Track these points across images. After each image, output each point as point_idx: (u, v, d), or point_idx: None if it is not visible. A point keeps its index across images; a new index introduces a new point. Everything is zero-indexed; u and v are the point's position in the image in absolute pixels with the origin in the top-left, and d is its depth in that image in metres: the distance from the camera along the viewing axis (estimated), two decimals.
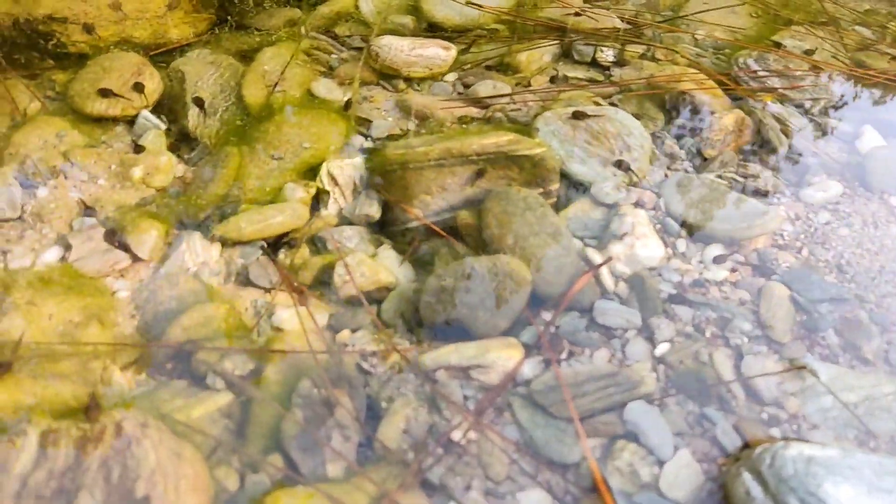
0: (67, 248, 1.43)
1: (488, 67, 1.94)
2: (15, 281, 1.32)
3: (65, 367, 1.20)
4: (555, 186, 1.54)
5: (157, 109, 1.75)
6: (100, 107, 1.68)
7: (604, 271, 1.35)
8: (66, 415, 1.11)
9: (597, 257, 1.37)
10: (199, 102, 1.72)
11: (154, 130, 1.69)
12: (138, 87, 1.72)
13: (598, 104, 1.75)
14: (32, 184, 1.54)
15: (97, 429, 1.03)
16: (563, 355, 1.23)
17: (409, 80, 1.90)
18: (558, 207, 1.50)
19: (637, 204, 1.50)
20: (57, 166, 1.57)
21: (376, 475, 1.06)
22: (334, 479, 1.06)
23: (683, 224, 1.47)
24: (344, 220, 1.54)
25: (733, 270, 1.39)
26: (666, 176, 1.59)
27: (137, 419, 1.05)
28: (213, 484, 1.03)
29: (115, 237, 1.44)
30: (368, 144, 1.69)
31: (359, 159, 1.62)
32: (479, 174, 1.53)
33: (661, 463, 1.08)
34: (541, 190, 1.52)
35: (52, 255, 1.41)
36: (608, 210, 1.49)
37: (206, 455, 1.07)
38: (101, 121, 1.70)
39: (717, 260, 1.40)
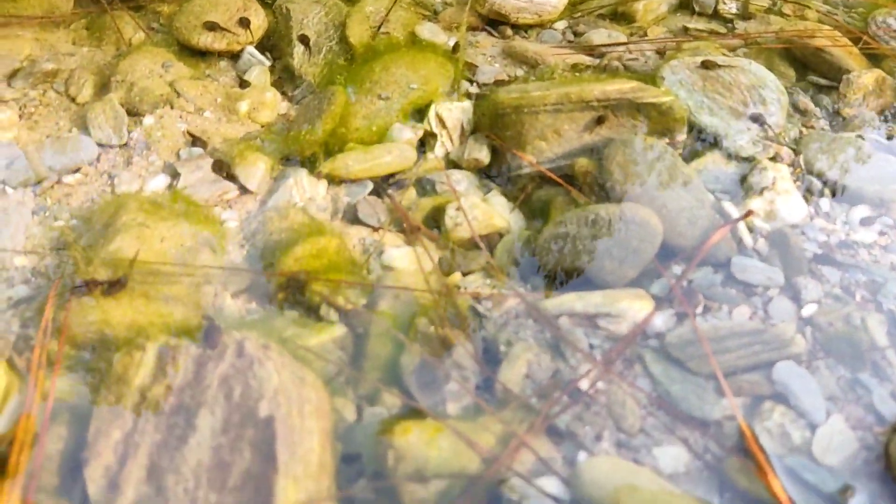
0: (175, 176, 1.42)
1: (601, 16, 1.86)
2: (125, 204, 1.32)
3: (177, 290, 1.18)
4: (682, 137, 1.45)
5: (260, 46, 1.73)
6: (205, 40, 1.67)
7: (742, 226, 1.26)
8: (181, 335, 1.09)
9: (734, 211, 1.29)
10: (304, 40, 1.69)
11: (259, 66, 1.67)
12: (244, 23, 1.70)
13: (725, 56, 1.65)
14: (138, 111, 1.54)
15: (218, 348, 1.01)
16: (699, 310, 1.15)
17: (516, 26, 1.83)
18: (686, 159, 1.42)
19: (775, 159, 1.40)
20: (163, 95, 1.56)
21: (500, 417, 1.01)
22: (457, 417, 1.01)
23: (825, 183, 1.37)
24: (451, 165, 1.49)
25: (882, 233, 1.29)
26: (801, 133, 1.49)
27: (258, 341, 1.02)
28: (332, 412, 1.00)
29: (222, 168, 1.43)
30: (474, 90, 1.64)
31: (467, 103, 1.57)
32: (600, 121, 1.45)
33: (812, 427, 1.00)
34: (667, 140, 1.44)
35: (159, 182, 1.41)
36: (743, 164, 1.40)
37: (325, 383, 1.04)
38: (206, 54, 1.68)
39: (865, 222, 1.30)
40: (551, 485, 0.93)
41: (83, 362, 1.07)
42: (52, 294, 1.13)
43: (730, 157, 1.41)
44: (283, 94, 1.64)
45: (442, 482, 0.91)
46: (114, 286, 1.13)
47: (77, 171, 1.43)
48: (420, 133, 1.53)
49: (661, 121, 1.44)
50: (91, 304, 1.12)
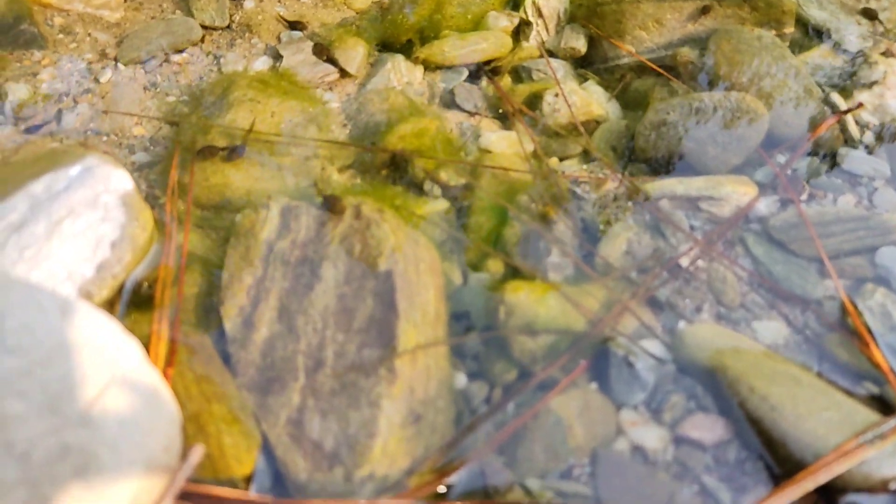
0: (277, 58, 1.47)
1: None
2: (235, 81, 1.38)
3: (288, 161, 1.25)
4: (789, 30, 1.43)
5: None
6: None
7: (849, 118, 1.26)
8: (298, 199, 1.16)
9: (841, 103, 1.28)
10: None
11: None
12: None
13: None
14: None
15: (335, 208, 1.08)
16: (803, 197, 1.17)
17: None
18: (793, 52, 1.40)
19: (886, 54, 1.37)
20: None
21: (604, 283, 1.06)
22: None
23: None
24: (546, 54, 1.50)
25: None
26: None
27: (374, 204, 1.09)
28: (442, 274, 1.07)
29: (323, 52, 1.47)
30: None
31: None
32: (705, 10, 1.43)
33: None
34: (774, 32, 1.42)
35: (262, 63, 1.46)
36: (851, 58, 1.37)
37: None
38: None
39: None
40: (654, 347, 0.98)
41: (207, 220, 1.16)
42: (175, 158, 1.21)
43: (838, 50, 1.39)
44: None
45: (550, 337, 0.98)
46: (233, 152, 1.20)
47: (183, 51, 1.49)
48: (516, 21, 1.54)
49: (768, 12, 1.42)
50: (212, 169, 1.20)
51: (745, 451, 0.88)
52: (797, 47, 1.41)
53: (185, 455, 0.71)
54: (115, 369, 0.65)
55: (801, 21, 1.44)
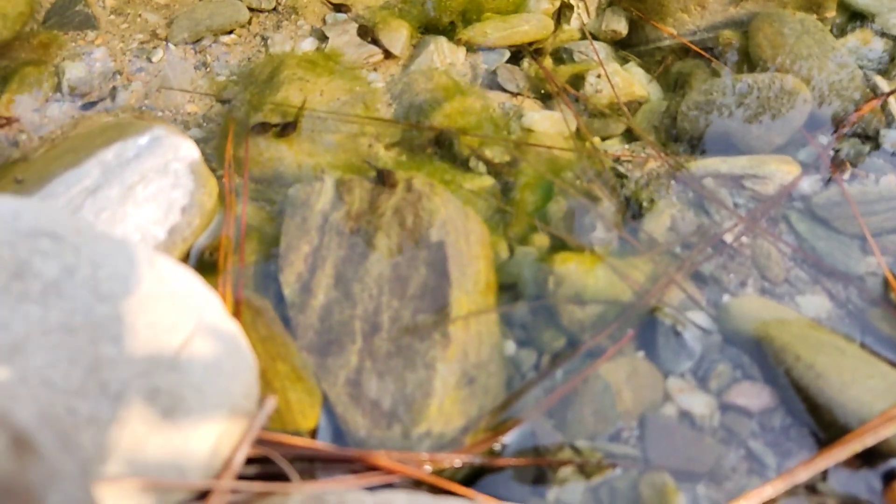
0: (322, 39, 1.51)
1: None
2: (284, 60, 1.42)
3: (337, 138, 1.29)
4: (831, 14, 1.44)
5: None
6: None
7: (892, 100, 1.27)
8: (349, 173, 1.20)
9: (884, 86, 1.29)
10: None
11: None
12: None
13: None
14: None
15: (389, 182, 1.11)
16: (846, 176, 1.19)
17: None
18: (835, 36, 1.41)
19: None
20: None
21: (650, 257, 1.09)
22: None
23: None
24: (588, 36, 1.53)
25: None
26: None
27: (424, 179, 1.13)
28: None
29: (367, 33, 1.51)
30: None
31: None
32: None
33: None
34: (815, 16, 1.43)
35: (308, 44, 1.50)
36: (893, 42, 1.39)
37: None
38: None
39: None
40: (700, 318, 1.01)
41: (261, 193, 1.20)
42: (230, 133, 1.26)
43: (881, 34, 1.40)
44: None
45: (598, 307, 1.01)
46: (286, 128, 1.24)
47: (231, 32, 1.53)
48: (557, 4, 1.56)
49: None
50: (265, 144, 1.24)
51: (791, 418, 0.91)
52: (839, 31, 1.43)
53: (260, 404, 0.75)
54: (199, 318, 0.70)
55: (844, 6, 1.45)
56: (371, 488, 0.75)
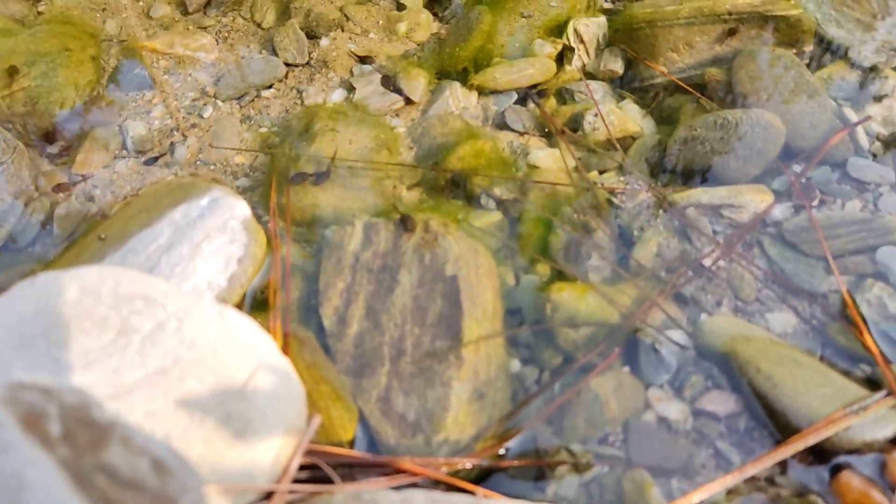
0: (350, 90, 1.70)
1: None
2: (316, 113, 1.62)
3: (365, 182, 1.49)
4: (808, 48, 1.58)
5: None
6: None
7: (859, 130, 1.41)
8: (376, 215, 1.39)
9: (853, 116, 1.43)
10: None
11: None
12: None
13: None
14: (315, 34, 1.82)
15: (409, 226, 1.30)
16: (815, 203, 1.34)
17: None
18: (812, 69, 1.55)
19: None
20: (335, 20, 1.84)
21: (635, 284, 1.26)
22: (599, 283, 1.27)
23: None
24: (587, 76, 1.69)
25: None
26: None
27: (439, 220, 1.31)
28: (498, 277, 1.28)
29: (389, 82, 1.70)
30: (609, 5, 1.81)
31: (603, 18, 1.75)
32: (731, 33, 1.60)
33: None
34: (794, 51, 1.58)
35: (338, 95, 1.70)
36: (865, 73, 1.52)
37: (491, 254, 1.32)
38: None
39: None
40: (677, 336, 1.18)
41: (302, 235, 1.40)
42: (273, 183, 1.46)
43: (853, 66, 1.54)
44: (435, 14, 1.87)
45: (589, 328, 1.18)
46: (321, 177, 1.44)
47: (270, 86, 1.74)
48: (559, 47, 1.73)
49: (789, 32, 1.58)
50: (303, 192, 1.44)
51: (753, 422, 1.07)
52: (815, 63, 1.57)
53: (308, 422, 0.95)
54: (259, 357, 0.89)
55: (820, 38, 1.59)
56: (398, 487, 0.94)
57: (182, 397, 0.83)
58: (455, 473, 1.02)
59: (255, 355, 0.89)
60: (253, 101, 1.71)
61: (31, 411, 0.57)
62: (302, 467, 0.93)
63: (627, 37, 1.68)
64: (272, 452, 0.86)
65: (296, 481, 0.89)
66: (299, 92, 1.72)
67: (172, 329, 0.86)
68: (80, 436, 0.56)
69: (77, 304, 0.85)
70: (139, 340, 0.84)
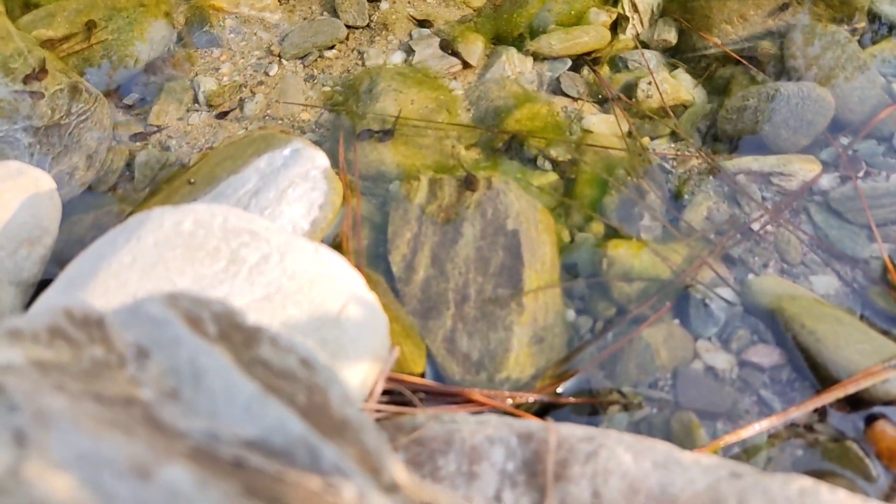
0: (409, 52, 1.77)
1: None
2: (379, 73, 1.70)
3: (426, 141, 1.57)
4: (861, 24, 1.63)
5: None
6: None
7: None
8: (438, 171, 1.47)
9: None
10: None
11: None
12: None
13: None
14: None
15: (473, 185, 1.38)
16: (860, 174, 1.40)
17: None
18: (863, 45, 1.60)
19: None
20: None
21: (686, 243, 1.33)
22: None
23: None
24: (641, 45, 1.75)
25: None
26: None
27: (501, 177, 1.39)
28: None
29: (448, 46, 1.77)
30: None
31: None
32: (784, 7, 1.65)
33: None
34: (846, 27, 1.62)
35: (398, 57, 1.77)
36: None
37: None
38: None
39: None
40: (726, 293, 1.25)
41: (368, 189, 1.49)
42: (341, 140, 1.54)
43: None
44: None
45: (642, 283, 1.26)
46: (386, 134, 1.52)
47: (332, 47, 1.81)
48: (614, 16, 1.79)
49: (842, 9, 1.62)
50: (369, 148, 1.53)
51: (795, 373, 1.15)
52: (867, 40, 1.61)
53: (389, 352, 1.04)
54: (350, 290, 0.99)
55: (873, 15, 1.63)
56: (471, 413, 1.03)
57: (284, 321, 0.93)
58: (518, 406, 1.11)
59: (346, 288, 0.98)
60: (316, 60, 1.79)
61: (190, 313, 0.67)
62: (384, 392, 1.03)
63: (681, 7, 1.73)
64: (360, 376, 0.96)
65: (380, 402, 0.99)
66: (360, 53, 1.79)
67: (276, 261, 0.95)
68: (234, 336, 0.66)
69: (191, 236, 0.94)
70: (247, 270, 0.93)
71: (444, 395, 1.07)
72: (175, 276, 0.91)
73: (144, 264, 0.92)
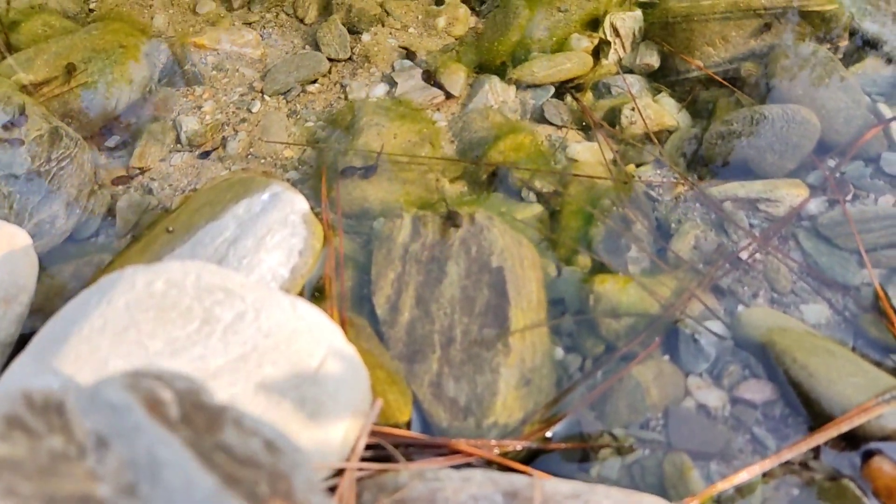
0: (392, 84, 1.76)
1: None
2: (361, 108, 1.68)
3: (410, 176, 1.55)
4: (843, 43, 1.61)
5: None
6: None
7: (894, 125, 1.44)
8: (422, 208, 1.45)
9: (888, 112, 1.46)
10: None
11: None
12: None
13: None
14: (357, 29, 1.87)
15: (456, 221, 1.36)
16: (849, 197, 1.38)
17: None
18: (846, 64, 1.58)
19: None
20: (376, 15, 1.89)
21: (674, 275, 1.31)
22: (638, 275, 1.32)
23: None
24: (623, 70, 1.73)
25: None
26: None
27: (484, 213, 1.37)
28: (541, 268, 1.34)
29: (430, 77, 1.75)
30: None
31: (639, 12, 1.78)
32: (766, 27, 1.63)
33: None
34: (828, 45, 1.60)
35: (380, 89, 1.75)
36: None
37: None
38: None
39: None
40: (716, 326, 1.23)
41: (352, 227, 1.46)
42: (323, 177, 1.53)
43: (889, 61, 1.56)
44: (472, 9, 1.92)
45: (630, 319, 1.24)
46: (368, 171, 1.50)
47: (315, 81, 1.80)
48: (595, 42, 1.77)
49: (824, 27, 1.60)
50: (352, 185, 1.51)
51: (788, 409, 1.13)
52: (850, 58, 1.59)
53: (371, 405, 1.02)
54: (328, 344, 0.96)
55: (855, 33, 1.61)
56: (456, 466, 1.01)
57: (260, 382, 0.90)
58: (506, 455, 1.08)
59: (325, 342, 0.96)
60: (298, 95, 1.77)
61: (150, 396, 0.64)
62: (366, 447, 1.00)
63: (663, 31, 1.71)
64: (341, 433, 0.94)
65: (363, 460, 0.97)
66: (343, 87, 1.78)
67: (251, 319, 0.93)
68: (197, 419, 0.63)
69: (164, 296, 0.92)
70: (221, 329, 0.91)
71: (429, 447, 1.04)
72: (147, 340, 0.89)
73: (116, 328, 0.90)
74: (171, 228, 1.30)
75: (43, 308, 1.31)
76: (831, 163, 1.43)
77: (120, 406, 0.62)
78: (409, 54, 1.82)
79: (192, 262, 0.95)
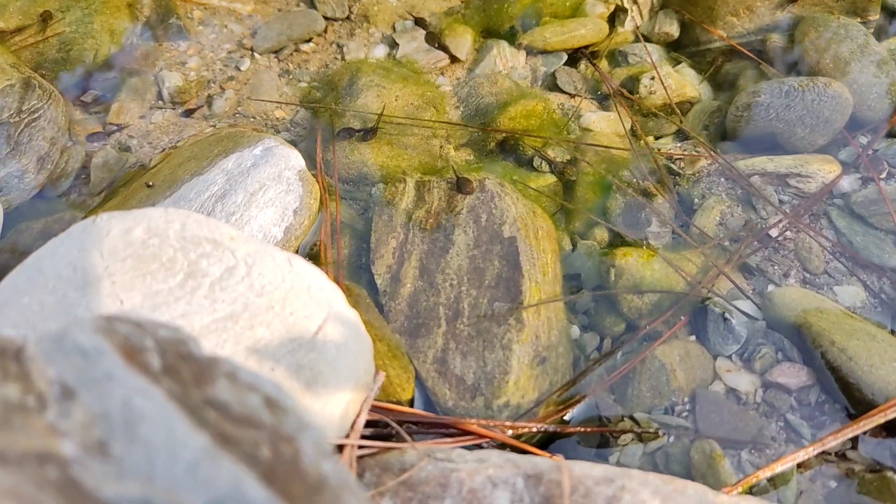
0: (393, 45, 1.66)
1: None
2: (361, 67, 1.58)
3: (412, 141, 1.45)
4: (874, 17, 1.54)
5: None
6: None
7: None
8: (426, 174, 1.36)
9: None
10: None
11: None
12: None
13: None
14: None
15: (466, 189, 1.27)
16: (883, 175, 1.30)
17: None
18: (878, 38, 1.51)
19: None
20: None
21: (701, 251, 1.23)
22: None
23: None
24: (641, 39, 1.65)
25: None
26: None
27: (496, 179, 1.28)
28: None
29: (434, 39, 1.65)
30: None
31: None
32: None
33: None
34: (859, 19, 1.53)
35: (380, 51, 1.65)
36: None
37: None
38: None
39: None
40: (746, 306, 1.15)
41: (349, 192, 1.37)
42: (318, 139, 1.42)
43: None
44: None
45: (654, 296, 1.15)
46: (368, 133, 1.41)
47: (309, 40, 1.69)
48: (612, 8, 1.69)
49: (854, 0, 1.53)
50: (350, 148, 1.41)
51: (825, 395, 1.05)
52: (882, 34, 1.52)
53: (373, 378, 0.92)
54: (329, 308, 0.87)
55: (887, 8, 1.54)
56: (467, 447, 0.91)
57: (251, 345, 0.80)
58: (519, 437, 0.99)
59: (325, 305, 0.86)
60: (291, 55, 1.67)
61: (127, 343, 0.54)
62: (367, 423, 0.90)
63: None
64: (341, 406, 0.84)
65: (363, 437, 0.87)
66: (339, 47, 1.67)
67: (242, 274, 0.83)
68: (183, 370, 0.53)
69: (143, 245, 0.82)
70: (208, 285, 0.81)
71: (436, 427, 0.95)
72: (122, 293, 0.79)
73: (87, 278, 0.80)
74: (150, 183, 1.19)
75: (9, 265, 1.20)
76: (863, 139, 1.36)
77: (91, 351, 0.52)
78: (411, 15, 1.72)
79: (176, 210, 0.85)
